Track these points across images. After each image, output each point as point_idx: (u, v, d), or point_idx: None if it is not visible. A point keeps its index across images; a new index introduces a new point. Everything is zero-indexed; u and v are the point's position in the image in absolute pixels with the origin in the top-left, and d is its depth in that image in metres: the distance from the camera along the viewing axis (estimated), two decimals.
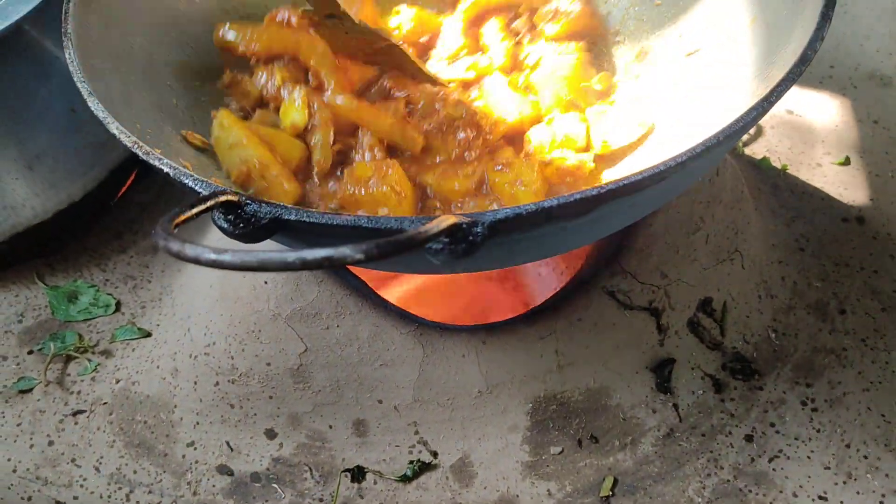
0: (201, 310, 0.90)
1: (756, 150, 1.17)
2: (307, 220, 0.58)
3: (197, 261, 0.46)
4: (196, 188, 0.60)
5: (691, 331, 0.92)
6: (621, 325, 0.89)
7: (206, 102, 0.90)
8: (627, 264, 0.89)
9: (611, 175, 0.82)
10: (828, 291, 1.00)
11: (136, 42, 0.84)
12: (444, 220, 0.54)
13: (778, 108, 1.07)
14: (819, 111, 1.23)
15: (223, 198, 0.57)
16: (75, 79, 0.71)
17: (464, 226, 0.55)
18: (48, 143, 0.99)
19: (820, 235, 1.06)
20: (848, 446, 0.87)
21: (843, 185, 1.13)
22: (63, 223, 1.02)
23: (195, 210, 0.55)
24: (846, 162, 1.16)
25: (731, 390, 0.91)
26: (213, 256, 0.45)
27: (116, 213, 1.10)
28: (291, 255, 0.45)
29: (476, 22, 0.90)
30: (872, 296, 1.00)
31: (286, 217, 0.58)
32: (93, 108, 0.67)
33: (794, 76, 0.66)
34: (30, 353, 0.97)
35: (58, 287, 1.02)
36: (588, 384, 0.88)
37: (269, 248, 0.48)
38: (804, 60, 0.67)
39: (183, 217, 0.53)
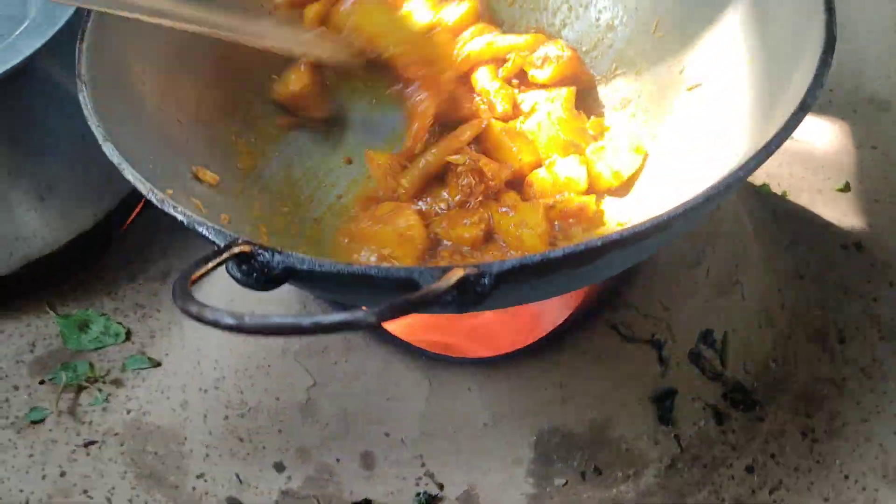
0: (211, 344, 0.92)
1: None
2: (319, 269, 0.60)
3: (216, 324, 0.48)
4: (211, 237, 0.62)
5: (692, 362, 0.93)
6: (623, 357, 0.90)
7: (217, 137, 0.92)
8: (630, 298, 0.91)
9: (614, 212, 0.84)
10: (827, 319, 1.02)
11: (148, 79, 0.86)
12: (454, 275, 0.55)
13: None
14: (819, 136, 1.25)
15: (237, 249, 0.59)
16: (90, 123, 0.72)
17: (471, 278, 0.57)
18: (59, 174, 1.00)
19: (819, 262, 1.07)
20: (846, 477, 0.88)
21: (843, 211, 1.14)
22: (73, 253, 1.04)
23: (210, 265, 0.56)
24: (846, 188, 1.17)
25: (733, 421, 0.92)
26: (231, 322, 0.47)
27: (125, 241, 1.11)
28: (307, 321, 0.47)
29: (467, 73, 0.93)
30: (871, 323, 1.02)
31: (298, 267, 0.60)
32: (108, 154, 0.69)
33: (796, 122, 0.68)
34: (41, 382, 0.99)
35: (69, 316, 1.03)
36: (591, 416, 0.89)
37: (285, 313, 0.50)
38: (804, 107, 0.69)
39: (199, 273, 0.54)
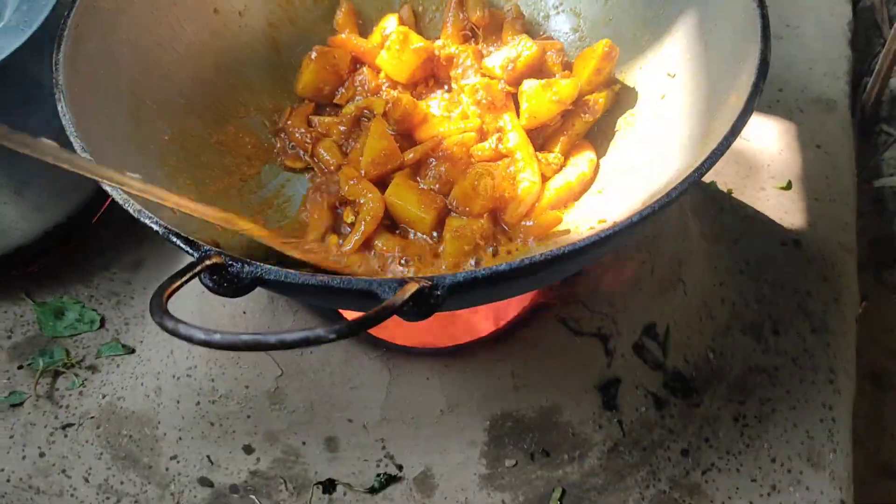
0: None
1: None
2: (284, 279, 0.65)
3: (190, 339, 0.53)
4: (187, 250, 0.67)
5: (636, 353, 1.00)
6: (572, 349, 0.97)
7: (195, 139, 0.96)
8: (578, 294, 0.97)
9: (570, 217, 0.90)
10: (763, 313, 1.09)
11: (124, 84, 0.89)
12: (409, 289, 0.61)
13: None
14: (766, 136, 1.31)
15: (210, 262, 0.64)
16: (67, 132, 0.77)
17: (426, 290, 0.62)
18: (35, 169, 1.03)
19: (759, 258, 1.14)
20: (773, 460, 0.96)
21: (784, 209, 1.21)
22: (49, 243, 1.08)
23: (184, 279, 0.61)
24: (788, 186, 1.24)
25: (672, 407, 1.00)
26: (203, 337, 0.52)
27: (98, 232, 1.15)
28: (273, 338, 0.52)
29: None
30: (804, 317, 1.09)
31: (266, 277, 0.65)
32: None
33: (724, 147, 0.74)
34: (20, 367, 1.03)
35: (45, 303, 1.08)
36: (541, 403, 0.96)
37: (253, 332, 0.55)
38: (734, 132, 0.74)
39: (174, 287, 0.59)
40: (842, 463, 0.96)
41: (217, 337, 0.52)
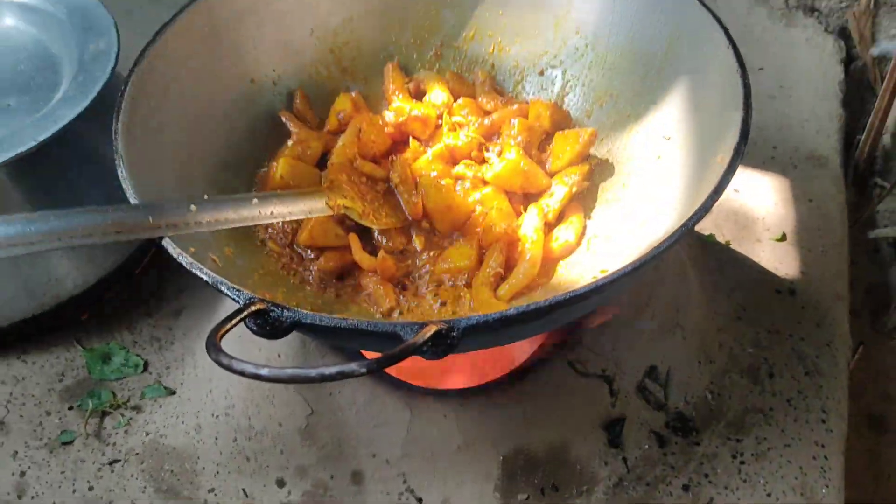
0: (221, 375, 1.06)
1: (704, 227, 1.34)
2: (319, 323, 0.74)
3: (242, 373, 0.62)
4: (234, 297, 0.76)
5: (639, 394, 1.08)
6: (579, 389, 1.05)
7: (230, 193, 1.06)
8: (584, 339, 1.05)
9: (565, 271, 1.00)
10: (759, 357, 1.16)
11: (171, 148, 1.00)
12: (429, 330, 0.70)
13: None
14: (761, 190, 1.40)
15: (254, 308, 0.73)
16: (128, 196, 0.86)
17: (443, 332, 0.71)
18: None
19: (756, 305, 1.22)
20: (769, 495, 1.03)
21: (779, 259, 1.29)
22: (98, 293, 1.18)
23: (234, 322, 0.71)
24: (783, 238, 1.32)
25: (673, 445, 1.07)
26: (254, 371, 0.61)
27: (142, 281, 1.25)
28: (313, 372, 0.61)
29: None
30: (798, 361, 1.16)
31: (303, 321, 0.74)
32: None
33: (709, 205, 0.82)
34: (70, 408, 1.12)
35: (93, 349, 1.17)
36: (551, 440, 1.04)
37: (295, 365, 0.63)
38: (717, 191, 0.83)
39: (225, 330, 0.69)
40: (834, 498, 1.02)
41: (265, 371, 0.61)
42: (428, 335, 0.69)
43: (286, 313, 0.74)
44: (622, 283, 0.77)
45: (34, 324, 1.15)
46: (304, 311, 0.74)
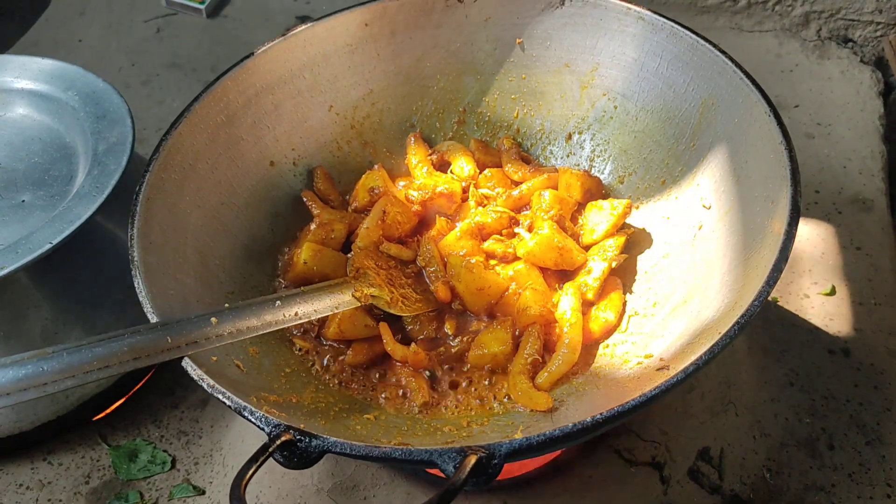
0: (252, 479, 1.01)
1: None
2: (349, 451, 0.69)
3: None
4: (259, 425, 0.71)
5: (692, 479, 1.01)
6: (627, 479, 0.99)
7: (254, 285, 1.02)
8: (630, 425, 1.00)
9: (607, 354, 0.94)
10: (816, 427, 1.09)
11: (190, 245, 0.96)
12: (468, 462, 0.65)
13: None
14: (806, 239, 1.33)
15: (281, 440, 0.69)
16: (144, 308, 0.83)
17: (483, 460, 0.66)
18: (109, 319, 1.10)
19: (808, 369, 1.15)
20: None
21: (829, 315, 1.22)
22: (122, 387, 1.14)
23: (259, 463, 0.66)
24: (832, 292, 1.26)
25: None
26: None
27: (166, 372, 1.21)
28: None
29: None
30: (858, 429, 1.09)
31: (332, 449, 0.69)
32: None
33: (763, 296, 0.76)
34: None
35: (119, 446, 1.13)
36: None
37: None
38: (769, 283, 0.77)
39: (250, 476, 0.64)
40: None
41: None
42: (468, 468, 0.64)
43: (314, 442, 0.69)
44: (676, 388, 0.71)
45: (59, 424, 1.11)
46: (334, 439, 0.69)
